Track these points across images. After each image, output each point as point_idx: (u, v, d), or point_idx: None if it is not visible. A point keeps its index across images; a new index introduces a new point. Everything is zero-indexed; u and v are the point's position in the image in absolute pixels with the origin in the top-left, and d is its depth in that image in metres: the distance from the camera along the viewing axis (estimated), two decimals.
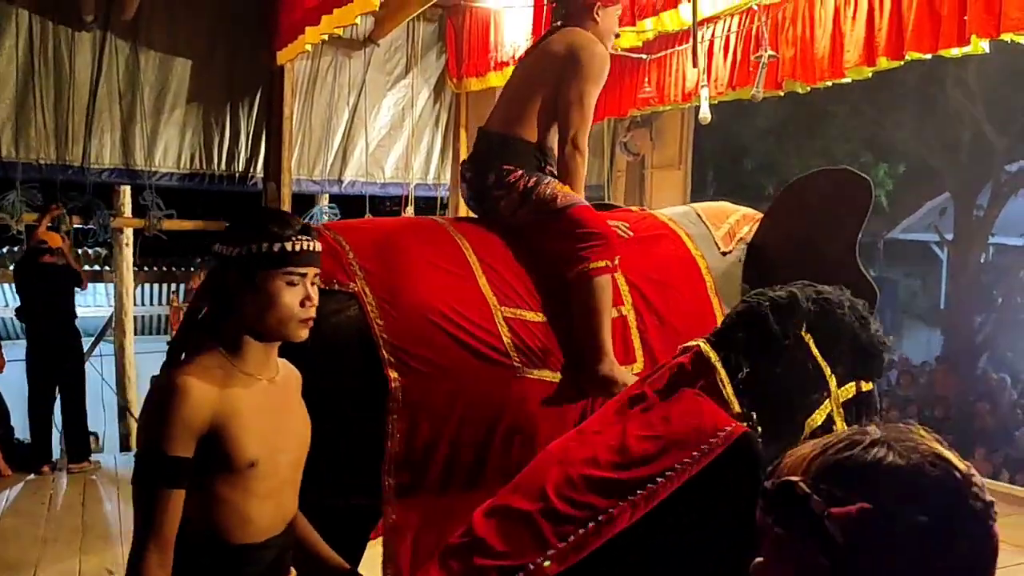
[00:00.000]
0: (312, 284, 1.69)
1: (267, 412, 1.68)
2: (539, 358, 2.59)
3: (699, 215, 3.18)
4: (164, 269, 10.57)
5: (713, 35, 5.25)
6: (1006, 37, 3.99)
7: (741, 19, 5.08)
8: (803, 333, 2.15)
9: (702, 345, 2.11)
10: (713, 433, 1.84)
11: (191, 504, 1.59)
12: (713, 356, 2.07)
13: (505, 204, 2.81)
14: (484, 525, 1.88)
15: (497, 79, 6.21)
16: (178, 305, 6.79)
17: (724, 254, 3.05)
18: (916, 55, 4.21)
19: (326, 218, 7.05)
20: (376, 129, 7.29)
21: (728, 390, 2.03)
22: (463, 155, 7.23)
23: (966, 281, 12.58)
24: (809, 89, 5.11)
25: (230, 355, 1.67)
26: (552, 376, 2.61)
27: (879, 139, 12.05)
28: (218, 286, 1.69)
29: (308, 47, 5.43)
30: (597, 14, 2.95)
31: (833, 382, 2.16)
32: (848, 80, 4.72)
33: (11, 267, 6.50)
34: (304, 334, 1.71)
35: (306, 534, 1.88)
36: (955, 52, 4.25)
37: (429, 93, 7.41)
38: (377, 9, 4.43)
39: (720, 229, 3.12)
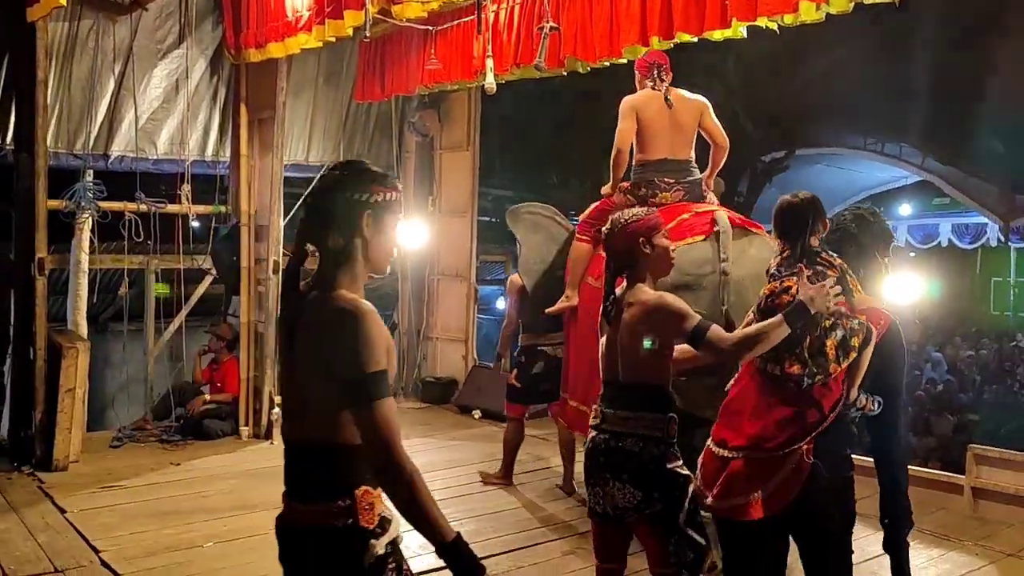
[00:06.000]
0: None
1: None
2: None
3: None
4: None
5: (498, 8, 5.30)
6: (762, 22, 4.36)
7: None
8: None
9: (836, 261, 2.98)
10: (878, 322, 3.04)
11: None
12: (845, 266, 3.00)
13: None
14: None
15: (278, 50, 5.93)
16: None
17: None
18: (685, 36, 4.47)
19: (90, 195, 6.44)
20: (147, 101, 6.78)
21: (858, 288, 3.07)
22: (243, 130, 6.84)
23: None
24: (589, 69, 5.32)
25: None
26: None
27: None
28: None
29: (63, 2, 4.92)
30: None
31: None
32: (625, 61, 4.97)
33: None
34: None
35: None
36: (718, 36, 4.61)
37: (206, 64, 6.99)
38: None
39: None
